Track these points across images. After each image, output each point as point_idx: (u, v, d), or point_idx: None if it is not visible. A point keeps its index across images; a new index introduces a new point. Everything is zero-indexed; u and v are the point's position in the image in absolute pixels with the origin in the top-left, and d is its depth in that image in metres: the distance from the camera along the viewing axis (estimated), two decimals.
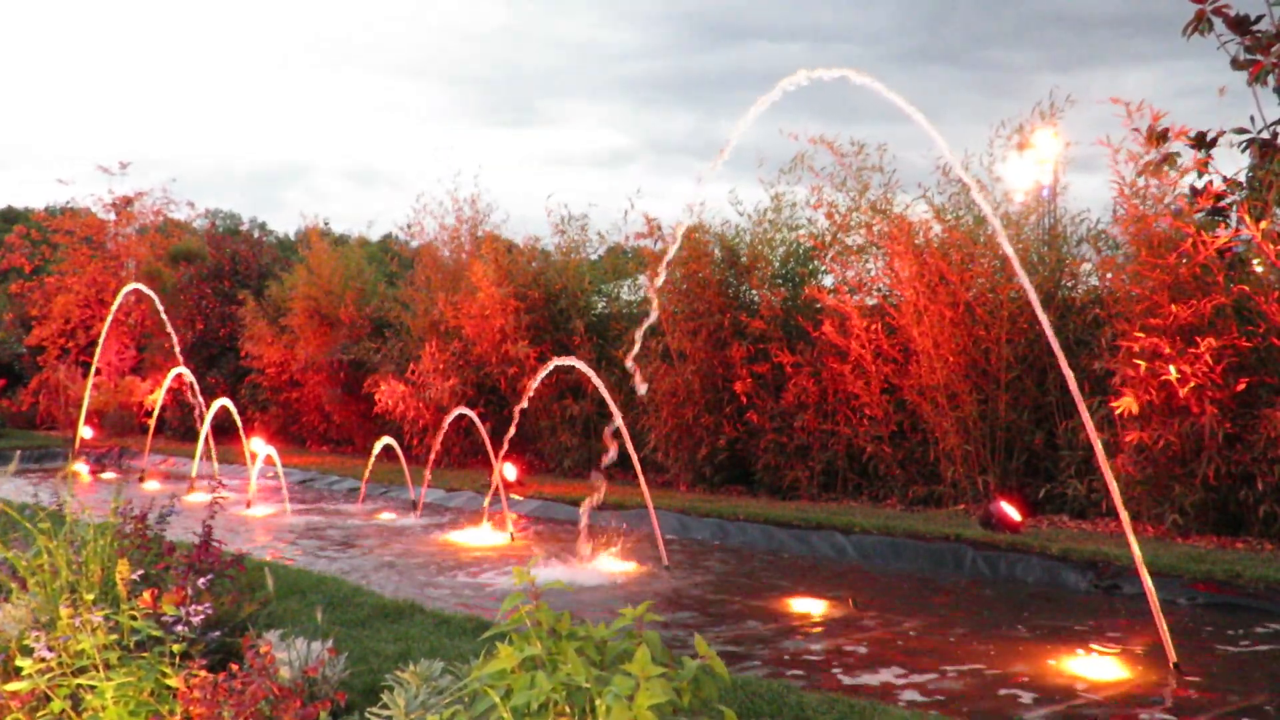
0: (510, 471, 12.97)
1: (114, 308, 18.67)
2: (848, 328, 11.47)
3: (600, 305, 15.50)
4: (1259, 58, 8.96)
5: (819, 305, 12.02)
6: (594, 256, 15.91)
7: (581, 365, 9.82)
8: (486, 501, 10.99)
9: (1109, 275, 9.85)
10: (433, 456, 12.70)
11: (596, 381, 9.50)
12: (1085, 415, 6.06)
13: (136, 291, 23.80)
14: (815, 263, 12.82)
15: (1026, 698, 5.33)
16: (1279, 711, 5.14)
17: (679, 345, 13.08)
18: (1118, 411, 9.08)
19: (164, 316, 17.66)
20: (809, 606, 7.38)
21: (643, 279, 14.39)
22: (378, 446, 13.22)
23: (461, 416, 15.80)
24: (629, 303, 15.10)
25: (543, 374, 10.16)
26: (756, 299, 12.85)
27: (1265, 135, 9.25)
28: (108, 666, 3.75)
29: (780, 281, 12.86)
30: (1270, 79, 8.94)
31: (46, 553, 4.61)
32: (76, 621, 3.86)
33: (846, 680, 5.63)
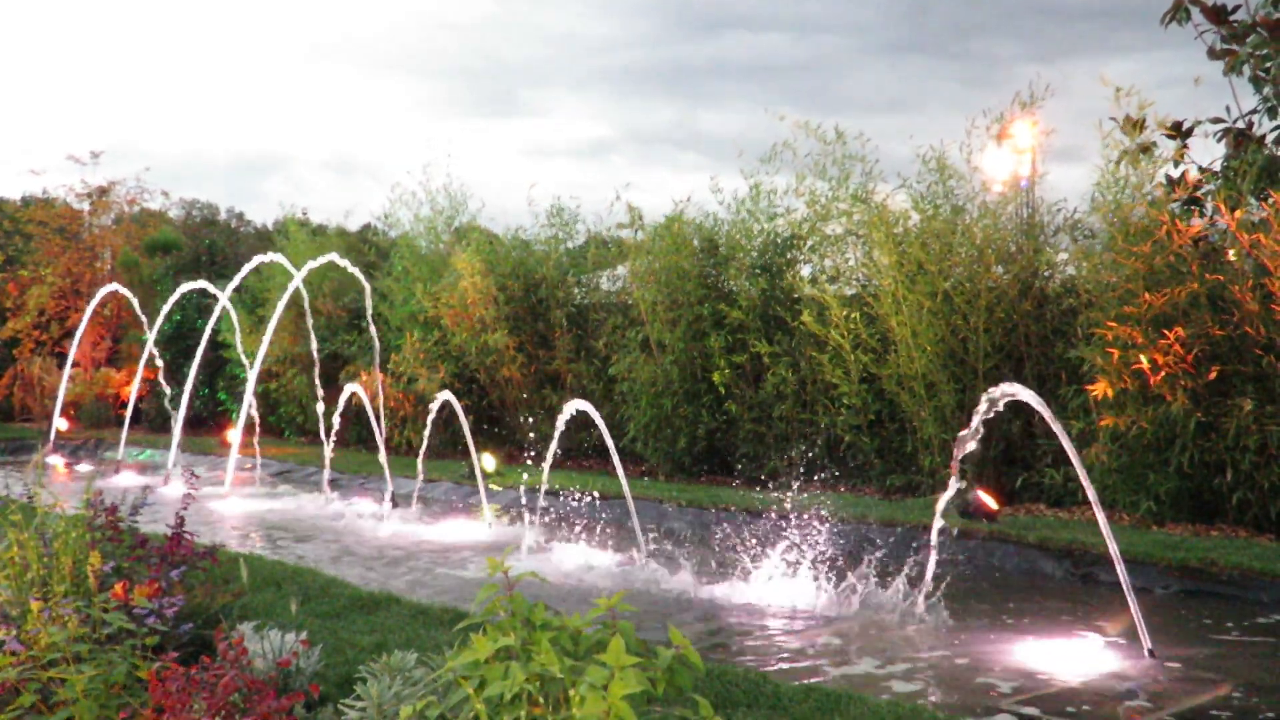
0: (489, 462, 12.94)
1: (89, 311, 18.58)
2: (826, 317, 11.49)
3: (580, 296, 15.48)
4: (1235, 48, 9.04)
5: (797, 295, 12.04)
6: (573, 246, 15.87)
7: (589, 408, 9.41)
8: (467, 490, 10.95)
9: (1084, 264, 9.90)
10: (382, 437, 12.65)
11: (599, 422, 9.20)
12: (1047, 413, 6.08)
13: (112, 281, 23.59)
14: (794, 252, 12.84)
15: (1004, 685, 5.36)
16: (1250, 697, 5.18)
17: (658, 336, 13.08)
18: (1094, 396, 9.13)
19: (140, 313, 17.57)
20: (787, 596, 7.38)
21: (622, 270, 14.38)
22: (324, 426, 13.15)
23: (442, 406, 15.75)
24: (609, 293, 15.07)
25: (563, 418, 9.64)
26: (735, 289, 12.86)
27: (1240, 125, 9.34)
28: (79, 659, 3.72)
29: (759, 271, 12.86)
30: (1245, 69, 9.02)
31: (17, 545, 4.56)
32: (47, 614, 3.82)
33: (825, 669, 5.65)
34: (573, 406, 9.42)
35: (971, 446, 6.87)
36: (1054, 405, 10.38)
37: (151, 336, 16.38)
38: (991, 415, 6.78)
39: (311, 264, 13.42)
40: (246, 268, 14.75)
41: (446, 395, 11.38)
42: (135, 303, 17.68)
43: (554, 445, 9.05)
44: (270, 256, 14.29)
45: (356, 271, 13.52)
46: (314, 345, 14.36)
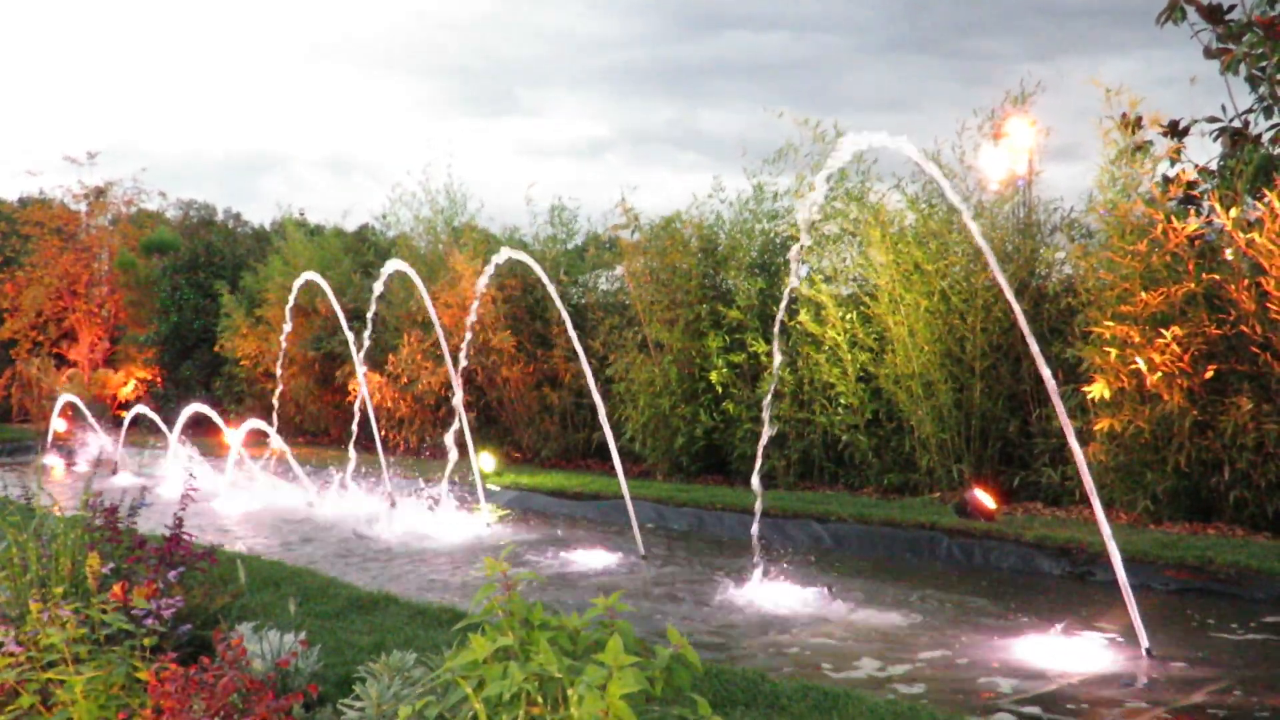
0: (488, 462, 12.94)
1: (59, 406, 18.61)
2: (823, 317, 11.50)
3: (578, 296, 15.49)
4: (1231, 47, 9.04)
5: (794, 295, 12.05)
6: (570, 247, 15.89)
7: (525, 257, 9.91)
8: (465, 490, 10.97)
9: (1081, 264, 9.91)
10: (380, 437, 12.66)
11: (562, 311, 9.54)
12: (1058, 404, 6.09)
13: (110, 282, 23.58)
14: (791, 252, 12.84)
15: (1002, 684, 5.37)
16: (1249, 695, 5.20)
17: (656, 335, 13.09)
18: (1090, 397, 9.15)
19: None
20: (786, 596, 7.40)
21: (620, 269, 14.38)
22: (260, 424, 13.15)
23: (439, 407, 15.74)
24: (607, 293, 15.09)
25: (490, 266, 10.21)
26: (733, 289, 12.87)
27: (1236, 124, 9.35)
28: (78, 660, 3.73)
29: (757, 271, 12.88)
30: (1241, 68, 9.03)
31: (16, 546, 4.57)
32: (46, 616, 3.83)
33: (824, 668, 5.65)
34: (503, 253, 9.76)
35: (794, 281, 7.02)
36: (1051, 405, 10.40)
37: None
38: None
39: None
40: None
41: (457, 396, 11.39)
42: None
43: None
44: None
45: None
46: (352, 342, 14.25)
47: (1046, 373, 6.16)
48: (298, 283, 13.29)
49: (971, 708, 5.01)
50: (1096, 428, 9.16)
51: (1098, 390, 9.07)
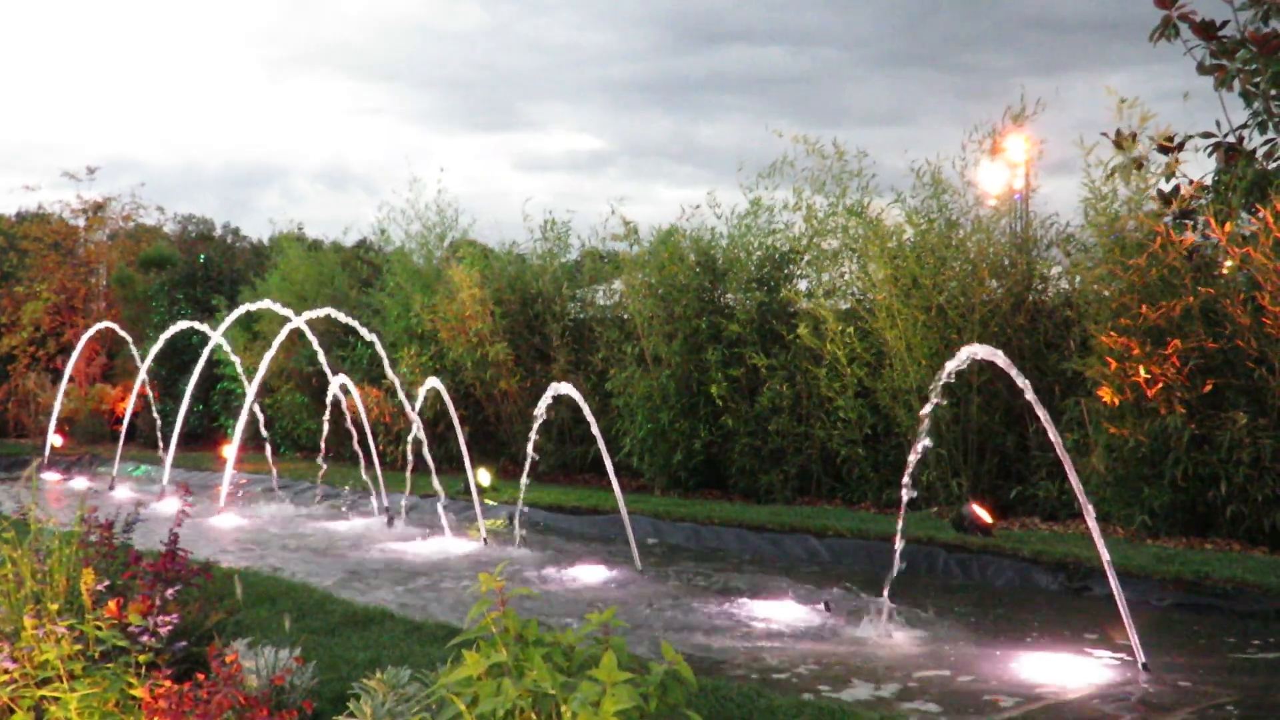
0: (484, 477, 12.93)
1: (81, 345, 18.70)
2: (822, 331, 11.52)
3: (576, 310, 15.49)
4: (1224, 63, 9.09)
5: (793, 309, 12.07)
6: (568, 261, 15.89)
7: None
8: (462, 505, 10.94)
9: (1079, 278, 9.94)
10: (376, 452, 12.65)
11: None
12: (1022, 379, 6.10)
13: (108, 297, 23.60)
14: (791, 267, 12.87)
15: (999, 699, 5.36)
16: (1246, 711, 5.19)
17: (654, 349, 13.09)
18: (1103, 401, 9.14)
19: (135, 351, 17.70)
20: (782, 611, 7.39)
21: (618, 284, 14.38)
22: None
23: (437, 422, 15.72)
24: (605, 307, 15.09)
25: (542, 403, 9.74)
26: (733, 302, 12.88)
27: (1230, 140, 9.39)
28: (72, 677, 3.72)
29: (756, 285, 12.89)
30: (1235, 84, 9.07)
31: (10, 562, 4.56)
32: (40, 632, 3.82)
33: (820, 685, 5.64)
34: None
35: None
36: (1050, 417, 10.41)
37: (144, 367, 16.50)
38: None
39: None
40: (233, 315, 15.20)
41: (434, 383, 11.33)
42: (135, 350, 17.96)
43: None
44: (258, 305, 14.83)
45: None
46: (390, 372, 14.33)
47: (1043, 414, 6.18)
48: (284, 330, 13.56)
49: None
50: (1110, 435, 9.14)
51: (1108, 396, 9.08)
